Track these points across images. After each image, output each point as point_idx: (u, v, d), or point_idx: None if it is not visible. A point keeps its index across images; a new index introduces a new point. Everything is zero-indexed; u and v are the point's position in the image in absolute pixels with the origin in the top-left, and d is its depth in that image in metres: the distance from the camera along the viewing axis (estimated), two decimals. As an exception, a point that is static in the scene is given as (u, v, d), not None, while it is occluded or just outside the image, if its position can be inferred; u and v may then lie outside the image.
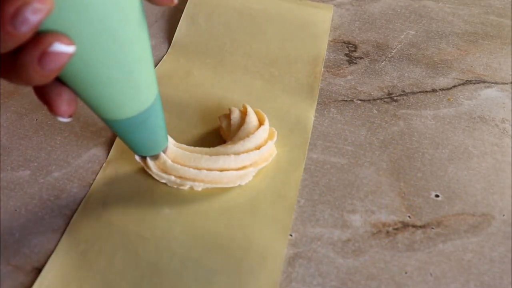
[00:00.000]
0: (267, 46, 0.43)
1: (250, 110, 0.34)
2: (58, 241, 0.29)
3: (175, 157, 0.31)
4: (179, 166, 0.30)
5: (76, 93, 0.21)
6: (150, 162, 0.30)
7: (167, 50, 0.43)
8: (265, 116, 0.34)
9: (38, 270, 0.28)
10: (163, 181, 0.31)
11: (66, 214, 0.30)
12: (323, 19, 0.46)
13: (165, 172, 0.31)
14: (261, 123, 0.33)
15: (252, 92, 0.38)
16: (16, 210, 0.30)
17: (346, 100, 0.39)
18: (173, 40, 0.44)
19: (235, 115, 0.34)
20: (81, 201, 0.31)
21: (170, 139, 0.31)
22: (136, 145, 0.27)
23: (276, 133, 0.33)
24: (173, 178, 0.30)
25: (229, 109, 0.34)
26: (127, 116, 0.23)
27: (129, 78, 0.21)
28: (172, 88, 0.39)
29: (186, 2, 0.47)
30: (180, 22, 0.45)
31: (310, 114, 0.37)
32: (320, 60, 0.42)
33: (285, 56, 0.42)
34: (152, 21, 0.47)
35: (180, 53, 0.43)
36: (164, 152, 0.30)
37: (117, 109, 0.22)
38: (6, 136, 0.35)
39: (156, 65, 0.41)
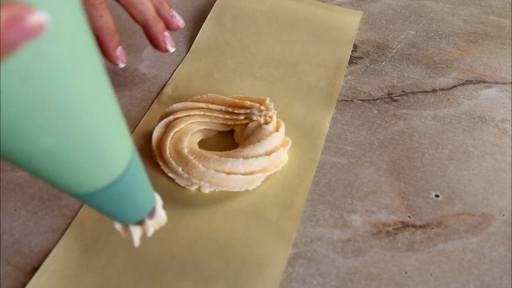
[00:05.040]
0: (291, 49, 0.43)
1: (274, 117, 0.33)
2: (58, 241, 0.29)
3: (191, 150, 0.31)
4: (190, 157, 0.30)
5: (22, 167, 0.17)
6: (133, 230, 0.23)
7: (187, 53, 0.43)
8: (282, 123, 0.33)
9: (38, 270, 0.28)
10: (170, 175, 0.31)
11: (66, 214, 0.30)
12: (350, 25, 0.45)
13: (176, 162, 0.31)
14: (276, 129, 0.33)
15: (270, 96, 0.37)
16: (16, 210, 0.30)
17: (346, 100, 0.39)
18: (195, 40, 0.44)
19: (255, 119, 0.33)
20: (81, 202, 0.31)
21: (158, 199, 0.24)
22: (111, 216, 0.22)
23: (290, 142, 0.33)
24: (180, 169, 0.30)
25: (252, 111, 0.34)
26: (92, 189, 0.19)
27: (74, 147, 0.17)
28: (191, 91, 0.39)
29: (213, 5, 0.47)
30: (205, 22, 0.45)
31: (325, 121, 0.36)
32: (342, 67, 0.41)
33: (307, 60, 0.42)
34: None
35: (202, 54, 0.42)
36: (151, 217, 0.23)
37: (69, 183, 0.18)
38: (6, 136, 0.35)
39: (177, 66, 0.41)
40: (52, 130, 0.15)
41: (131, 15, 0.38)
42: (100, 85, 0.17)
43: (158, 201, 0.24)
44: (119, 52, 0.37)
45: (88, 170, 0.18)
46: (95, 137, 0.17)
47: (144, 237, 0.29)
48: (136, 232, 0.23)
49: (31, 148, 0.15)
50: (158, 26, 0.38)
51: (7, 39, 0.11)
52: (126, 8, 0.37)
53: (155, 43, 0.38)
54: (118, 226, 0.23)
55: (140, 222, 0.23)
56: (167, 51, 0.39)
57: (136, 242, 0.23)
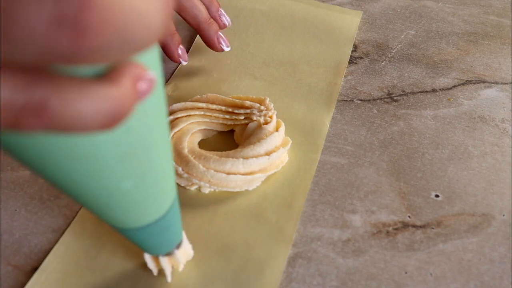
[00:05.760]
0: (291, 49, 0.43)
1: (274, 117, 0.33)
2: (58, 241, 0.29)
3: (191, 150, 0.31)
4: (191, 157, 0.30)
5: (80, 203, 0.18)
6: (162, 260, 0.26)
7: (188, 51, 0.43)
8: (282, 123, 0.33)
9: (38, 270, 0.27)
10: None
11: (66, 214, 0.30)
12: (350, 25, 0.45)
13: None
14: (276, 129, 0.33)
15: (270, 96, 0.37)
16: (16, 210, 0.30)
17: (346, 100, 0.39)
18: (195, 40, 0.44)
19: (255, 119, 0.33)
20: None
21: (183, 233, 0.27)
22: (147, 248, 0.24)
23: (290, 142, 0.33)
24: (180, 169, 0.30)
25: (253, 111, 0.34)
26: (137, 225, 0.21)
27: (145, 189, 0.18)
28: (191, 91, 0.39)
29: None
30: None
31: (326, 121, 0.36)
32: (342, 67, 0.41)
33: (307, 60, 0.42)
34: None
35: (202, 54, 0.42)
36: (178, 247, 0.26)
37: (125, 219, 0.20)
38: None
39: (177, 66, 0.41)
40: (134, 174, 0.17)
41: (184, 18, 0.38)
42: (166, 131, 0.18)
43: (183, 234, 0.26)
44: (180, 51, 0.38)
45: (148, 208, 0.20)
46: (161, 178, 0.19)
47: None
48: (167, 265, 0.26)
49: (111, 190, 0.17)
50: (211, 28, 0.38)
51: (138, 91, 0.13)
52: (179, 13, 0.38)
53: (210, 44, 0.39)
54: (147, 257, 0.26)
55: (169, 253, 0.25)
56: (222, 50, 0.39)
57: (169, 278, 0.26)
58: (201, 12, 0.38)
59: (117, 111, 0.12)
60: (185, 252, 0.27)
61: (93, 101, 0.11)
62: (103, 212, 0.19)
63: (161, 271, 0.27)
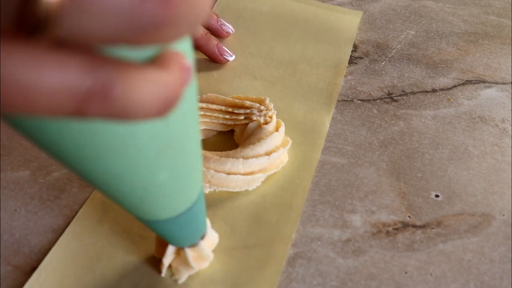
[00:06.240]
0: (291, 50, 0.43)
1: (274, 117, 0.33)
2: (57, 240, 0.29)
3: None
4: None
5: (111, 197, 0.18)
6: (187, 251, 0.26)
7: None
8: (282, 123, 0.33)
9: (37, 269, 0.27)
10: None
11: (66, 214, 0.30)
12: (350, 25, 0.45)
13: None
14: (276, 129, 0.33)
15: (270, 96, 0.37)
16: (16, 210, 0.30)
17: (346, 100, 0.39)
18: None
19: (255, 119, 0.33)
20: (81, 201, 0.31)
21: (207, 221, 0.27)
22: (173, 239, 0.24)
23: (290, 142, 0.33)
24: None
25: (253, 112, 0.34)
26: (165, 217, 0.21)
27: (179, 181, 0.18)
28: None
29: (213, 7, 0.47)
30: None
31: (326, 121, 0.36)
32: (342, 66, 0.41)
33: (307, 60, 0.42)
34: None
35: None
36: (202, 238, 0.26)
37: (156, 211, 0.20)
38: (6, 136, 0.35)
39: None
40: (170, 166, 0.17)
41: None
42: (198, 122, 0.18)
43: (208, 222, 0.26)
44: (220, 50, 0.39)
45: (178, 199, 0.20)
46: (193, 170, 0.19)
47: (145, 238, 0.29)
48: (190, 253, 0.25)
49: (146, 183, 0.17)
50: (210, 43, 0.39)
51: (182, 80, 0.12)
52: None
53: (213, 59, 0.40)
54: (170, 252, 0.26)
55: (194, 245, 0.25)
56: (227, 61, 0.40)
57: (191, 261, 0.26)
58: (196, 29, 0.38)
59: (170, 97, 0.11)
60: (210, 242, 0.27)
61: (152, 86, 0.11)
62: (134, 205, 0.19)
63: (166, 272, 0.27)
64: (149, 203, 0.19)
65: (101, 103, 0.10)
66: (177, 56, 0.12)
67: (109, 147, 0.14)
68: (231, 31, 0.41)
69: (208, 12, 0.11)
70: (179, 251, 0.26)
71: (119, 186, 0.16)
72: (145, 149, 0.15)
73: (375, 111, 0.38)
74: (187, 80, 0.12)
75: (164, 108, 0.11)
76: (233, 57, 0.40)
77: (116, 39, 0.09)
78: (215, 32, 0.41)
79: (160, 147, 0.15)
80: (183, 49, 0.13)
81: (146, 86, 0.11)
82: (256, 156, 0.31)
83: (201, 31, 0.38)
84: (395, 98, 0.39)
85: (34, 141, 0.14)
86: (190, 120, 0.17)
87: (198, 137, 0.18)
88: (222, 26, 0.41)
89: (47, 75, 0.09)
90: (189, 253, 0.25)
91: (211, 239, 0.27)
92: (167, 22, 0.09)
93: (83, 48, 0.10)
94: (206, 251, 0.26)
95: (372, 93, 0.39)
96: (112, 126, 0.13)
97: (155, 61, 0.12)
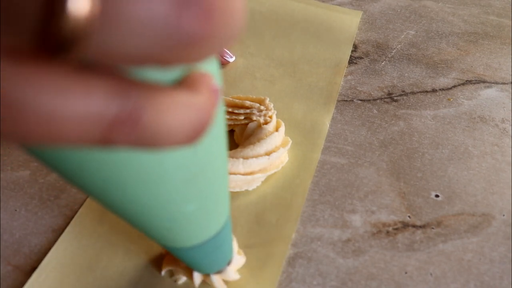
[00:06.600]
0: (291, 50, 0.43)
1: (274, 117, 0.33)
2: (57, 240, 0.29)
3: None
4: None
5: (133, 225, 0.17)
6: (214, 278, 0.25)
7: None
8: (282, 123, 0.33)
9: (37, 269, 0.27)
10: None
11: (66, 214, 0.30)
12: (350, 25, 0.45)
13: None
14: (276, 129, 0.33)
15: (270, 96, 0.37)
16: (16, 210, 0.30)
17: (346, 100, 0.39)
18: None
19: (255, 119, 0.33)
20: (81, 201, 0.31)
21: (235, 245, 0.26)
22: (199, 266, 0.24)
23: (290, 142, 0.33)
24: None
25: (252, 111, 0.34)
26: (190, 244, 0.20)
27: (206, 210, 0.18)
28: None
29: None
30: None
31: (325, 121, 0.36)
32: (342, 66, 0.41)
33: (307, 60, 0.42)
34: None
35: None
36: (229, 264, 0.26)
37: (180, 239, 0.19)
38: (6, 136, 0.35)
39: None
40: (198, 197, 0.16)
41: None
42: (226, 150, 0.17)
43: (235, 247, 0.26)
44: (221, 52, 0.39)
45: (204, 227, 0.19)
46: (221, 199, 0.18)
47: (145, 238, 0.29)
48: (216, 279, 0.25)
49: (174, 213, 0.16)
50: None
51: (213, 103, 0.11)
52: None
53: None
54: (197, 276, 0.25)
55: (220, 271, 0.25)
56: (228, 63, 0.41)
57: (218, 286, 0.25)
58: None
59: (201, 122, 0.10)
60: (236, 265, 0.26)
61: (183, 111, 0.10)
62: (160, 234, 0.18)
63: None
64: (174, 232, 0.18)
65: (129, 131, 0.09)
66: (206, 77, 0.11)
67: (135, 177, 0.13)
68: (231, 61, 0.42)
69: (242, 25, 0.09)
70: (205, 277, 0.26)
71: (143, 216, 0.16)
72: (173, 179, 0.14)
73: (375, 111, 0.38)
74: (216, 103, 0.11)
75: (195, 134, 0.10)
76: (233, 58, 0.41)
77: (147, 59, 0.08)
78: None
79: (188, 177, 0.15)
80: (211, 69, 0.12)
81: (177, 111, 0.10)
82: (256, 156, 0.31)
83: None
84: (395, 98, 0.39)
85: (57, 171, 0.13)
86: (218, 148, 0.16)
87: (226, 163, 0.18)
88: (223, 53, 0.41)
89: (71, 102, 0.08)
90: (216, 280, 0.25)
91: (238, 263, 0.27)
92: (206, 38, 0.08)
93: (108, 69, 0.09)
94: (232, 276, 0.26)
95: (372, 93, 0.39)
96: (138, 155, 0.13)
97: (183, 83, 0.11)
